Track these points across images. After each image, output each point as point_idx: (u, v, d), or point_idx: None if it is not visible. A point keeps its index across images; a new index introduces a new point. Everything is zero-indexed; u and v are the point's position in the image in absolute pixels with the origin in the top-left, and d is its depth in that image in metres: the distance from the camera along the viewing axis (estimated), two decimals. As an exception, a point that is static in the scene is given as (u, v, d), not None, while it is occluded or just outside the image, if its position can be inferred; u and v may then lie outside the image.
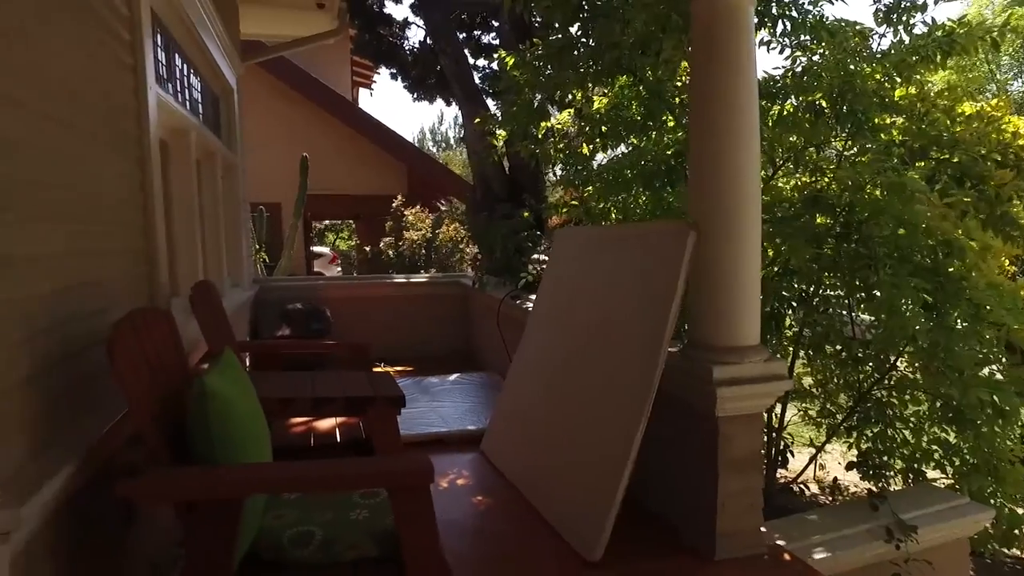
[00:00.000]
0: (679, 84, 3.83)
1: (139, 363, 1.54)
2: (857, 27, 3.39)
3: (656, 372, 2.34)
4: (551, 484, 2.72)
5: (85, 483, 1.52)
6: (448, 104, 9.05)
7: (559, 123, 4.60)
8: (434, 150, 32.51)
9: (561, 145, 4.61)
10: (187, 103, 3.58)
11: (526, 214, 4.87)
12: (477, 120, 4.93)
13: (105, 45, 2.10)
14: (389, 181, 10.86)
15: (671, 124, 3.87)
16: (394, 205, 9.62)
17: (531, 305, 4.09)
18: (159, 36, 2.97)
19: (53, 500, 1.34)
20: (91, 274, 1.82)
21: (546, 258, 5.37)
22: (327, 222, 17.07)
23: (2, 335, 1.28)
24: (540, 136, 4.55)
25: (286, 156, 9.24)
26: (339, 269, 14.97)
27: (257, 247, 7.18)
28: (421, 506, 1.53)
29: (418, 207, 9.51)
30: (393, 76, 8.08)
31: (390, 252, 9.11)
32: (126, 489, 1.38)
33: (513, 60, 4.30)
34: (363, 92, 15.31)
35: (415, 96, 8.16)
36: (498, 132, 4.65)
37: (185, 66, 3.66)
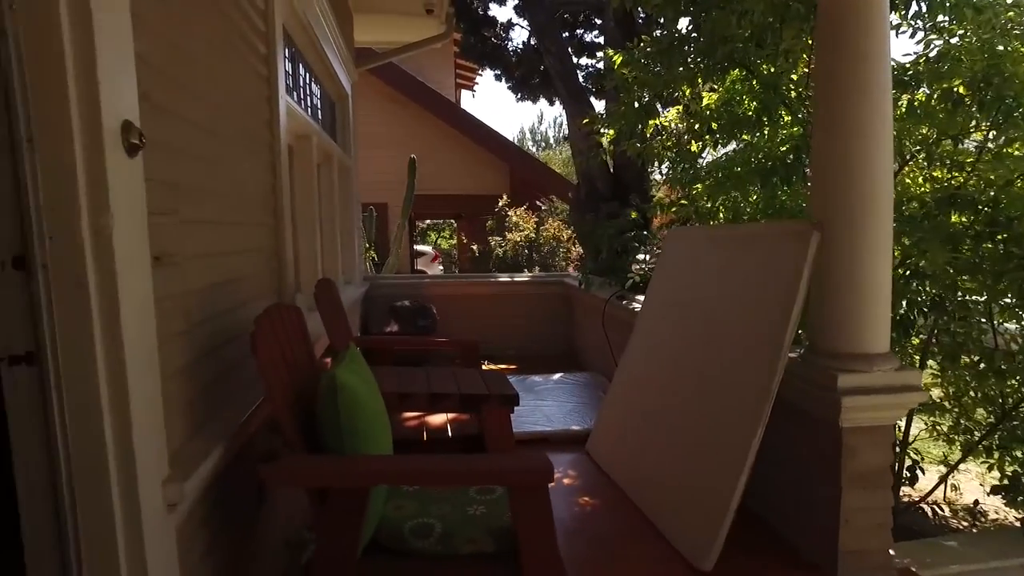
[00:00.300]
0: (795, 77, 3.65)
1: (277, 355, 1.65)
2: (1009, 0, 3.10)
3: (775, 378, 2.25)
4: (659, 488, 2.67)
5: (227, 465, 1.65)
6: (551, 103, 9.10)
7: (667, 121, 4.51)
8: (533, 150, 32.70)
9: (669, 143, 4.52)
10: (309, 109, 3.79)
11: (634, 214, 4.80)
12: (585, 120, 4.91)
13: (247, 60, 2.26)
14: (491, 181, 11.03)
15: (787, 119, 3.70)
16: (500, 204, 9.75)
17: (638, 306, 4.03)
18: (287, 48, 3.16)
19: (207, 478, 1.46)
20: (234, 272, 1.97)
21: (650, 258, 5.30)
22: (428, 221, 17.57)
23: (169, 326, 1.41)
24: (648, 134, 4.47)
25: (392, 158, 9.59)
26: (440, 267, 15.36)
27: (367, 246, 7.49)
28: (540, 505, 1.55)
29: (523, 207, 9.58)
30: (497, 77, 8.20)
31: (499, 251, 9.24)
32: (266, 472, 1.48)
33: (621, 58, 4.25)
34: (465, 94, 15.65)
35: (519, 96, 8.24)
36: (606, 131, 4.62)
37: (307, 74, 3.87)
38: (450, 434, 2.65)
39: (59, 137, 1.08)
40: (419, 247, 16.14)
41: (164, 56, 1.49)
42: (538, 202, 10.17)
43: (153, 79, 1.38)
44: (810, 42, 3.27)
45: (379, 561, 1.63)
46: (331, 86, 4.69)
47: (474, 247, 9.69)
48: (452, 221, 17.31)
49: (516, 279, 6.35)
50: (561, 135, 33.36)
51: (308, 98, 3.82)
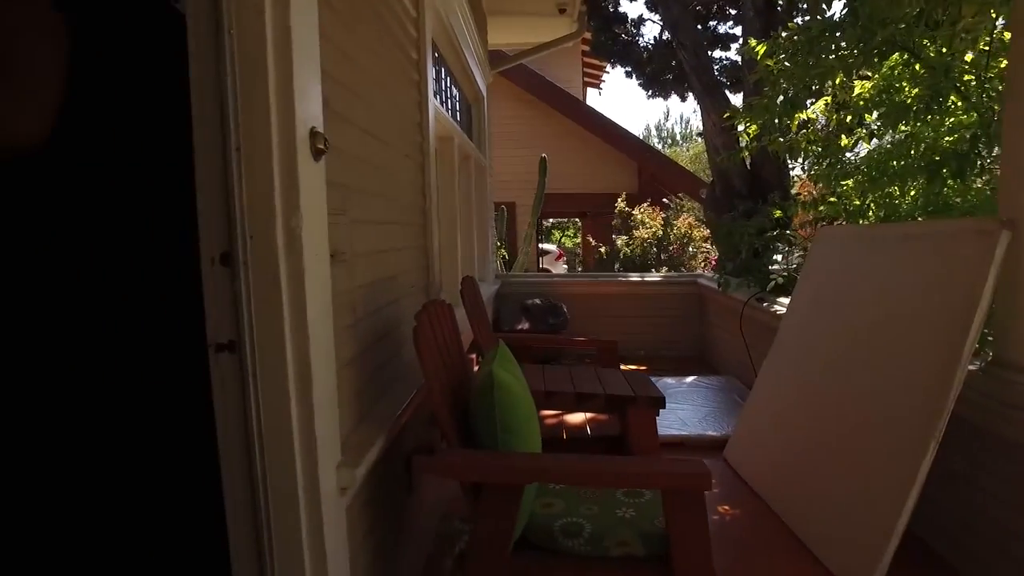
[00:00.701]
0: (969, 58, 3.30)
1: (435, 350, 1.72)
2: None
3: (951, 393, 2.04)
4: (808, 503, 2.52)
5: (385, 453, 1.73)
6: (683, 99, 8.88)
7: (815, 113, 4.23)
8: (660, 147, 31.99)
9: (813, 137, 4.25)
10: (450, 112, 3.92)
11: (777, 212, 4.56)
12: (725, 115, 4.72)
13: (402, 66, 2.37)
14: (618, 179, 10.90)
15: (960, 105, 3.36)
16: (618, 202, 9.61)
17: (780, 309, 3.82)
18: (433, 52, 3.28)
19: (372, 464, 1.55)
20: (390, 269, 2.07)
21: (790, 259, 5.00)
22: (551, 220, 17.67)
23: (341, 320, 1.50)
24: (794, 128, 4.23)
25: (519, 157, 9.73)
26: (564, 266, 15.39)
27: (498, 244, 7.65)
28: (695, 511, 1.50)
29: (647, 204, 9.39)
30: (628, 74, 8.09)
31: (626, 250, 9.12)
32: (426, 464, 1.54)
33: (764, 48, 4.04)
34: (591, 92, 15.56)
35: (649, 93, 8.09)
36: (748, 126, 4.41)
37: (448, 78, 4.00)
38: (589, 433, 2.64)
39: (261, 145, 1.18)
40: (543, 245, 16.27)
41: (339, 66, 1.59)
42: (665, 199, 9.92)
43: (330, 88, 1.48)
44: (996, 17, 2.94)
45: (529, 556, 1.65)
46: (468, 88, 4.82)
47: (601, 248, 9.61)
48: (576, 220, 17.34)
49: (647, 279, 6.23)
50: (688, 131, 32.38)
51: (449, 101, 3.95)
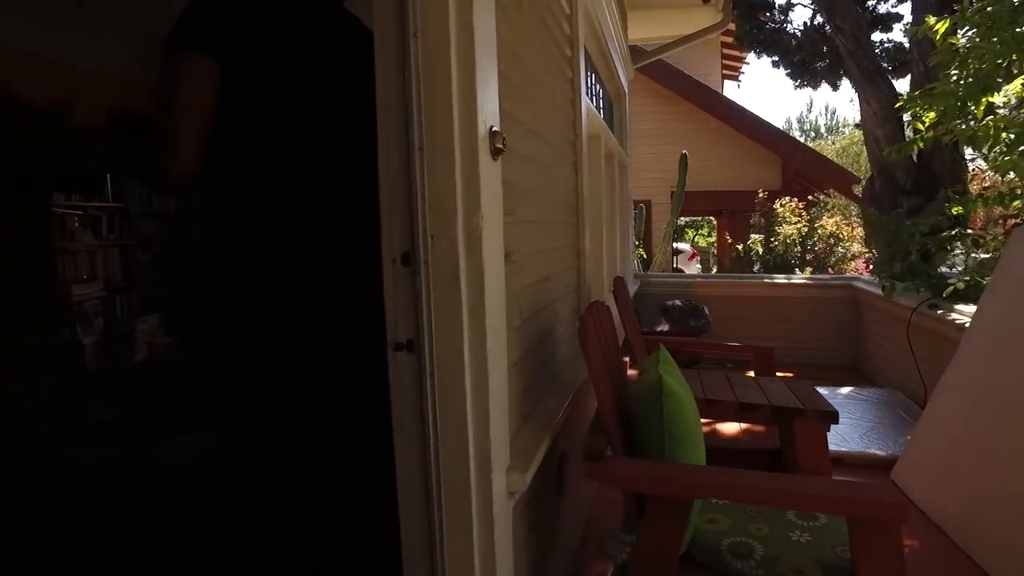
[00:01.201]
0: None
1: (599, 352, 1.67)
2: None
3: None
4: (1005, 540, 2.21)
5: (545, 457, 1.71)
6: (835, 88, 8.21)
7: (1007, 95, 3.73)
8: (801, 140, 30.01)
9: (1004, 123, 3.75)
10: (596, 109, 3.86)
11: (957, 209, 4.08)
12: (897, 103, 4.30)
13: (558, 63, 2.34)
14: (760, 175, 10.33)
15: None
16: (760, 198, 9.08)
17: (960, 318, 3.42)
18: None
19: (537, 468, 1.52)
20: (549, 270, 2.04)
21: (969, 261, 4.47)
22: (684, 219, 17.11)
23: (510, 320, 1.49)
24: (979, 113, 3.76)
25: (655, 154, 9.48)
26: (698, 266, 14.86)
27: (636, 243, 7.50)
28: (891, 545, 1.35)
29: (791, 200, 8.80)
30: (774, 64, 7.64)
31: (760, 249, 8.64)
32: (592, 470, 1.49)
33: (945, 25, 3.63)
34: (728, 85, 14.89)
35: (798, 83, 7.58)
36: (923, 114, 3.98)
37: (593, 75, 3.94)
38: (744, 445, 2.49)
39: (443, 145, 1.18)
40: (676, 245, 15.80)
41: (508, 65, 1.58)
42: (811, 196, 9.27)
43: (501, 87, 1.47)
44: None
45: (696, 574, 1.56)
46: (611, 85, 4.73)
47: (738, 247, 9.16)
48: (710, 218, 16.69)
49: (795, 280, 5.83)
50: (834, 123, 30.15)
51: (594, 98, 3.89)
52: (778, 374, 4.98)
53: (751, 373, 3.03)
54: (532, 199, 1.82)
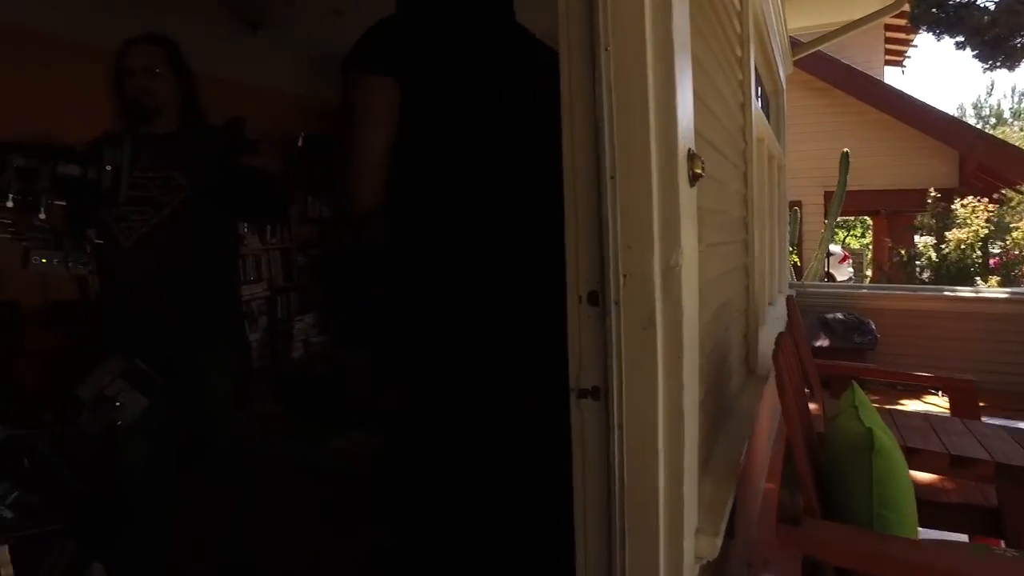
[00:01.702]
0: None
1: (793, 393, 1.48)
2: None
3: None
4: None
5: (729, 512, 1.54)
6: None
7: None
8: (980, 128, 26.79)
9: None
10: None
11: None
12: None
13: (731, 64, 2.15)
14: (931, 171, 9.26)
15: None
16: (931, 198, 8.11)
17: None
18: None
19: (724, 528, 1.36)
20: (724, 295, 1.86)
21: None
22: (836, 219, 15.81)
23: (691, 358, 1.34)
24: None
25: (806, 150, 8.78)
26: (851, 270, 13.70)
27: (790, 249, 6.97)
28: None
29: (978, 199, 7.77)
30: (959, 45, 6.79)
31: (932, 254, 7.74)
32: (788, 537, 1.31)
33: None
34: (890, 72, 13.54)
35: (989, 64, 6.69)
36: None
37: (755, 73, 3.65)
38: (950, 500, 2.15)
39: (638, 172, 1.06)
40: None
41: (694, 74, 1.42)
42: (998, 193, 8.17)
43: (690, 100, 1.32)
44: None
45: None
46: (769, 81, 4.39)
47: (901, 251, 8.25)
48: (865, 218, 15.31)
49: (984, 295, 5.14)
50: (1021, 107, 26.71)
51: (759, 99, 3.60)
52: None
53: (941, 405, 2.65)
54: (713, 221, 1.65)
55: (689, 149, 1.12)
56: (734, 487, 1.46)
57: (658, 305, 1.06)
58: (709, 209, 1.59)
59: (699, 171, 1.13)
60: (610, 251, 1.08)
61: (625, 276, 1.07)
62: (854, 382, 1.69)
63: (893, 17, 8.54)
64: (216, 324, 2.22)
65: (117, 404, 1.68)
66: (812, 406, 2.04)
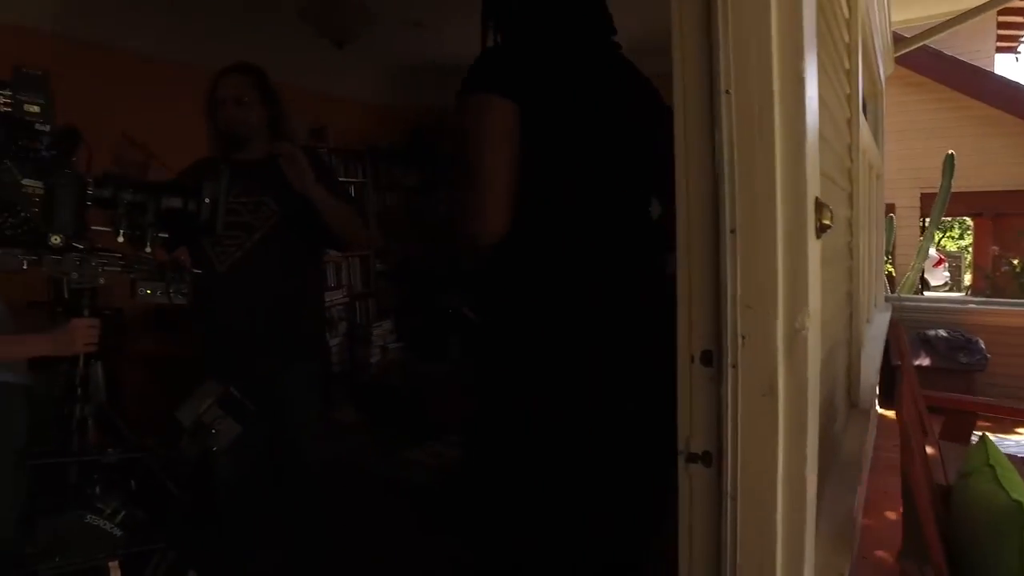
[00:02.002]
0: None
1: (919, 442, 1.35)
2: None
3: None
4: None
5: None
6: None
7: None
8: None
9: None
10: (856, 116, 3.35)
11: None
12: None
13: (839, 78, 2.00)
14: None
15: None
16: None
17: None
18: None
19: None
20: (835, 330, 1.74)
21: None
22: (926, 219, 14.82)
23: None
24: None
25: (900, 150, 8.25)
26: (946, 274, 12.83)
27: (885, 258, 6.57)
28: None
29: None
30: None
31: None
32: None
33: None
34: (1000, 60, 12.55)
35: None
36: None
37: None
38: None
39: (762, 225, 0.97)
40: (919, 248, 13.80)
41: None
42: None
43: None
44: None
45: None
46: (869, 84, 4.13)
47: (1014, 261, 7.62)
48: (963, 218, 14.33)
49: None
50: None
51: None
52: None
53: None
54: (826, 259, 1.53)
55: (816, 198, 1.03)
56: (849, 553, 1.34)
57: (780, 371, 0.98)
58: (827, 247, 1.47)
59: (827, 222, 1.03)
60: (727, 309, 1.00)
61: (744, 338, 0.99)
62: (986, 437, 1.54)
63: None
64: (304, 344, 2.26)
65: (213, 431, 1.72)
66: (928, 450, 1.88)
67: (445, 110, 6.94)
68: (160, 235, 1.66)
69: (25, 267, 1.55)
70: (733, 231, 0.99)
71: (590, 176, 1.38)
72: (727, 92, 0.98)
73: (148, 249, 1.64)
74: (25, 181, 1.48)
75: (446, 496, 3.33)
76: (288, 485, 2.35)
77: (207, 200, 1.68)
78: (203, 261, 2.11)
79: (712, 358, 1.03)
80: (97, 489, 1.67)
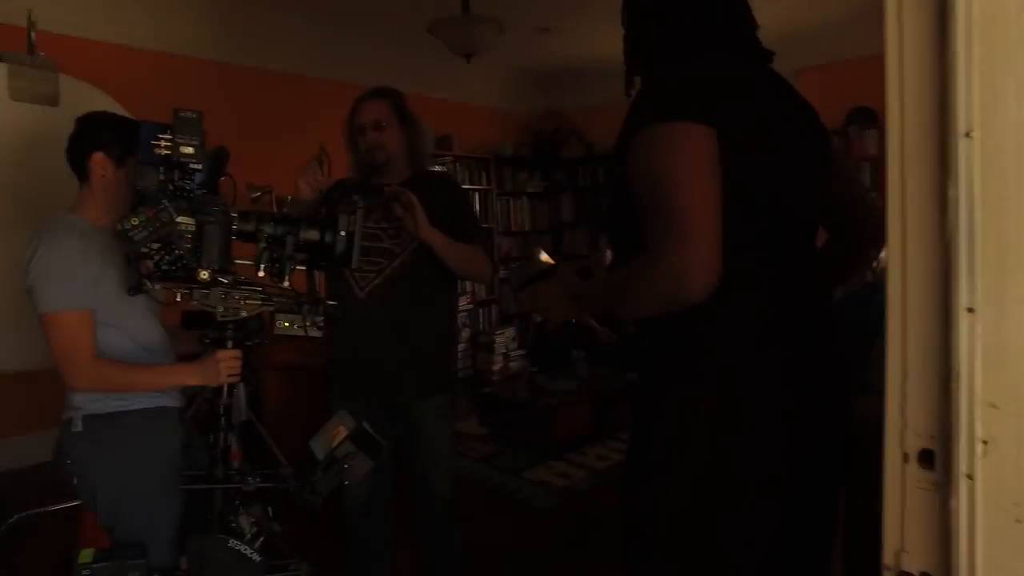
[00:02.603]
0: None
1: None
2: None
3: None
4: None
5: None
6: None
7: None
8: None
9: None
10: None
11: None
12: None
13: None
14: None
15: None
16: None
17: None
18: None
19: None
20: None
21: None
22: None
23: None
24: None
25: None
26: None
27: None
28: None
29: None
30: None
31: None
32: None
33: None
34: None
35: None
36: None
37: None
38: None
39: (1012, 305, 0.77)
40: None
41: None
42: None
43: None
44: None
45: None
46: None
47: None
48: None
49: None
50: None
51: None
52: None
53: None
54: None
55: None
56: None
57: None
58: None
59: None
60: (960, 405, 0.79)
61: (986, 443, 0.78)
62: None
63: None
64: (441, 372, 2.23)
65: (346, 466, 1.70)
66: None
67: (563, 114, 6.85)
68: (298, 267, 1.68)
69: (178, 299, 1.61)
70: (971, 310, 0.79)
71: (781, 207, 1.20)
72: (968, 135, 0.78)
73: (287, 282, 1.65)
74: (179, 219, 1.52)
75: (576, 519, 3.22)
76: (418, 513, 2.33)
77: (342, 233, 1.67)
78: (343, 285, 2.13)
79: (935, 460, 0.83)
80: (238, 514, 1.71)
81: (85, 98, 2.24)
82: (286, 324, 1.71)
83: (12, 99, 2.15)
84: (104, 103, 2.29)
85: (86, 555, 1.56)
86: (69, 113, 1.74)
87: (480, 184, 6.20)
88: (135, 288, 1.54)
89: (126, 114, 2.26)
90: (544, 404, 4.04)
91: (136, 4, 4.13)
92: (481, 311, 5.96)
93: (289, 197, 2.00)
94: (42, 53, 2.23)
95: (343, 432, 1.74)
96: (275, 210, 1.82)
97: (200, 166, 1.55)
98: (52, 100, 2.20)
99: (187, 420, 1.92)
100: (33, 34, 2.25)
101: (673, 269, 1.05)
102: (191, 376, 1.68)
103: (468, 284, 5.81)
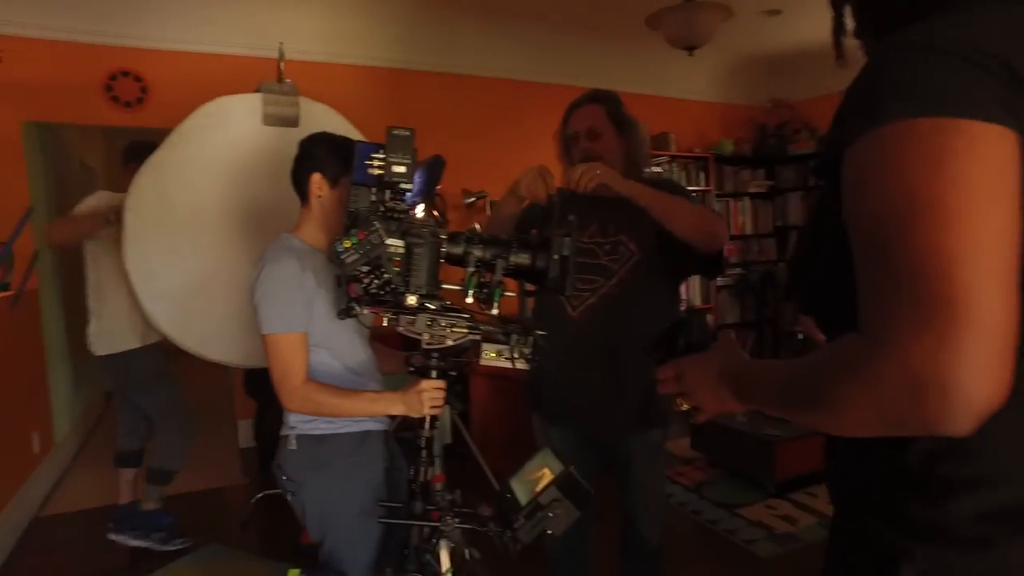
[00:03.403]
0: None
1: None
2: None
3: None
4: None
5: None
6: None
7: None
8: None
9: None
10: None
11: None
12: None
13: None
14: None
15: None
16: None
17: None
18: None
19: None
20: None
21: None
22: None
23: None
24: None
25: None
26: None
27: None
28: None
29: None
30: None
31: None
32: None
33: None
34: None
35: None
36: None
37: None
38: None
39: None
40: None
41: None
42: None
43: None
44: None
45: None
46: None
47: None
48: None
49: None
50: None
51: None
52: None
53: None
54: None
55: None
56: None
57: None
58: None
59: None
60: None
61: None
62: None
63: None
64: (656, 404, 1.96)
65: (550, 515, 1.53)
66: None
67: (792, 105, 6.11)
68: (506, 294, 1.55)
69: (385, 323, 1.56)
70: None
71: None
72: None
73: (495, 310, 1.53)
74: (389, 240, 1.47)
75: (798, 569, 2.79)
76: (623, 556, 2.12)
77: (556, 257, 1.50)
78: (554, 303, 1.97)
79: None
80: (437, 547, 1.64)
81: (320, 118, 2.34)
82: (492, 355, 1.59)
83: (264, 124, 2.31)
84: (336, 121, 2.39)
85: (294, 574, 1.58)
86: (307, 133, 1.78)
87: (698, 185, 5.78)
88: (345, 312, 1.52)
89: (355, 131, 2.33)
90: (767, 434, 3.58)
91: (366, 26, 4.42)
92: (692, 316, 5.57)
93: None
94: (288, 80, 2.37)
95: (548, 476, 1.58)
96: (487, 213, 1.72)
97: (410, 186, 1.48)
98: (294, 122, 2.32)
99: (392, 437, 1.90)
100: (282, 64, 2.40)
101: (920, 376, 0.59)
102: (394, 405, 1.64)
103: (682, 289, 5.46)
